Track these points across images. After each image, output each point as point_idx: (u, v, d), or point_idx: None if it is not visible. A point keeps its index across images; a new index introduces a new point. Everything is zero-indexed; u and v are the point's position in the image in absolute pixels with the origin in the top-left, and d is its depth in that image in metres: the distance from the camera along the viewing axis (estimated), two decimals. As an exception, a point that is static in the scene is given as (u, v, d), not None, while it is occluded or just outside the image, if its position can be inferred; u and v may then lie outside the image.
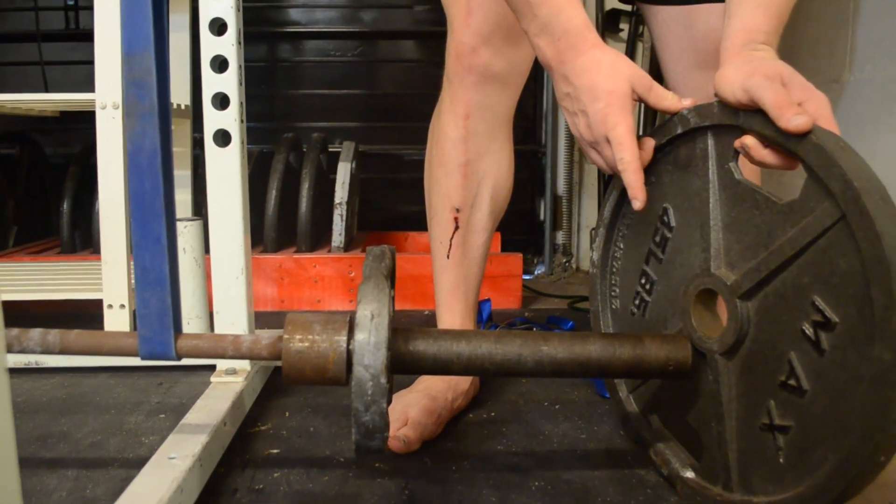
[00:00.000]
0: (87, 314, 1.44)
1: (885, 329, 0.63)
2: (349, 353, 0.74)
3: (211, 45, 1.07)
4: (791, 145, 0.72)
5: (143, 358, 0.80)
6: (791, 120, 0.70)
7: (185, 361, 1.27)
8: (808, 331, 0.72)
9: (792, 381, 0.74)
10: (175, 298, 0.79)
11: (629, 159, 0.83)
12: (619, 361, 0.84)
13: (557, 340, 0.84)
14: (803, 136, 0.70)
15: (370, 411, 0.71)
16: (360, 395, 0.71)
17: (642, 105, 2.33)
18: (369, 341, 0.71)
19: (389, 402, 0.75)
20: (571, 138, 2.42)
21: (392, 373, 0.80)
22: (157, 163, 0.76)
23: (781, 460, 0.75)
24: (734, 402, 0.81)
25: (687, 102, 0.86)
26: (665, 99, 0.87)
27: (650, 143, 0.89)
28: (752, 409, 0.79)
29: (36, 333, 0.79)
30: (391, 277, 0.83)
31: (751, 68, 0.76)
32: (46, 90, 2.23)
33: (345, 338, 0.75)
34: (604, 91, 0.84)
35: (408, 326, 0.84)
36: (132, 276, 1.03)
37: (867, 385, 0.66)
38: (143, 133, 0.75)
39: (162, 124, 0.76)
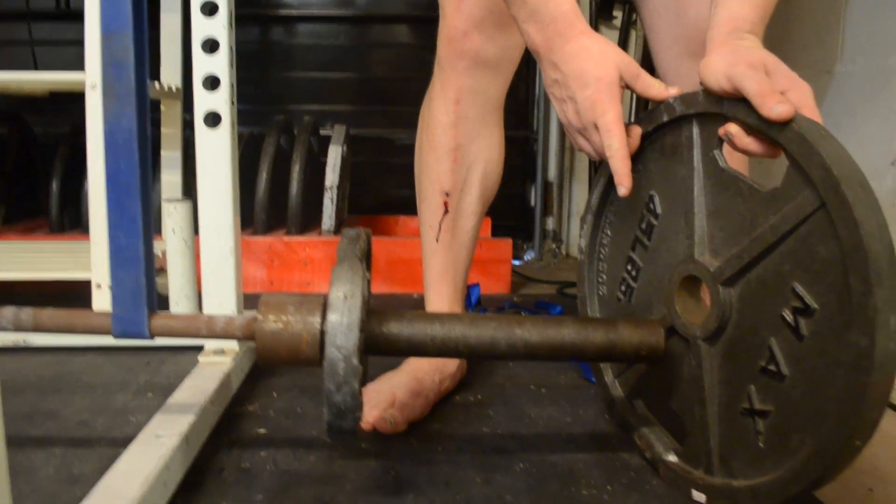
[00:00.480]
0: (75, 294, 1.44)
1: (862, 316, 0.64)
2: (322, 334, 0.74)
3: (202, 27, 1.07)
4: (773, 133, 0.73)
5: (115, 336, 0.80)
6: (773, 108, 0.71)
7: (174, 342, 1.29)
8: (789, 317, 0.73)
9: (772, 367, 0.75)
10: (150, 278, 0.79)
11: (617, 146, 0.83)
12: (591, 345, 0.85)
13: (531, 324, 0.84)
14: (785, 124, 0.71)
15: (342, 392, 0.72)
16: (332, 375, 0.71)
17: (633, 92, 2.34)
18: (342, 322, 0.71)
19: (364, 383, 0.76)
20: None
21: (366, 354, 0.80)
22: (134, 143, 0.76)
23: (761, 444, 0.77)
24: (716, 387, 0.82)
25: (673, 91, 0.87)
26: (652, 87, 0.87)
27: (637, 130, 0.90)
28: (733, 394, 0.80)
29: (9, 311, 0.79)
30: (367, 260, 0.83)
31: (735, 57, 0.77)
32: (36, 69, 2.21)
33: (318, 319, 0.75)
34: (592, 78, 0.84)
35: (383, 309, 0.85)
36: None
37: (844, 371, 0.66)
38: (120, 113, 0.75)
39: (139, 105, 0.76)
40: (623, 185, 0.84)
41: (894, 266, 0.64)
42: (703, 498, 0.83)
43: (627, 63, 0.86)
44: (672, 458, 0.90)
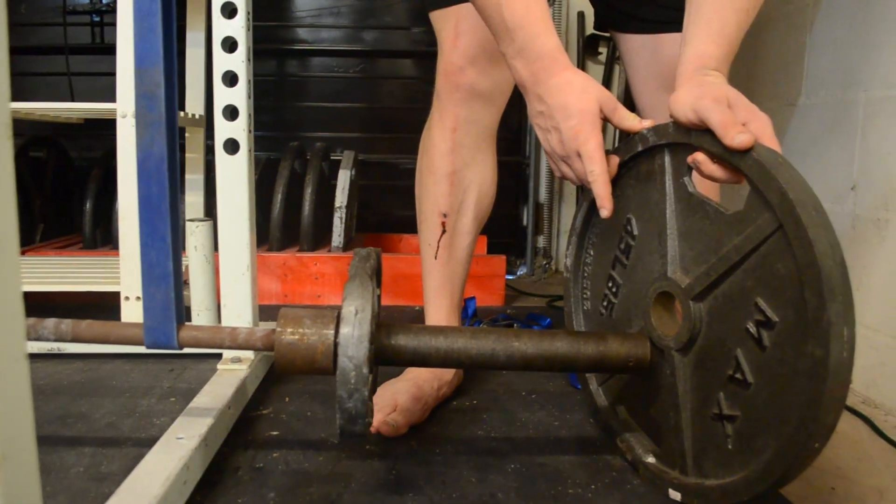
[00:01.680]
0: (106, 305, 1.44)
1: (817, 328, 0.65)
2: (336, 346, 0.75)
3: (223, 61, 1.08)
4: (735, 161, 0.73)
5: (147, 347, 0.81)
6: (735, 138, 0.72)
7: (194, 350, 1.29)
8: (752, 329, 0.73)
9: (738, 375, 0.75)
10: (178, 293, 0.80)
11: (598, 171, 0.84)
12: (583, 357, 0.85)
13: (528, 337, 0.85)
14: (745, 152, 0.72)
15: (353, 398, 0.72)
16: (344, 383, 0.72)
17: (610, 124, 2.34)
18: (353, 335, 0.72)
19: (373, 391, 0.76)
20: (553, 151, 2.43)
21: (375, 364, 0.81)
22: (164, 168, 0.76)
23: (730, 447, 0.77)
24: (689, 393, 0.83)
25: (647, 123, 0.87)
26: (627, 119, 0.88)
27: (615, 159, 0.90)
28: (704, 401, 0.80)
29: (50, 322, 0.80)
30: (377, 276, 0.84)
31: (701, 91, 0.77)
32: (73, 99, 2.23)
33: (332, 331, 0.76)
34: (575, 109, 0.85)
35: (391, 322, 0.85)
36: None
37: (803, 378, 0.67)
38: (152, 141, 0.76)
39: (169, 133, 0.77)
40: (605, 208, 0.84)
41: (846, 282, 0.65)
42: (679, 496, 0.84)
43: (607, 97, 0.87)
44: (651, 459, 0.91)
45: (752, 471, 0.73)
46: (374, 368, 0.80)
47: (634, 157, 0.90)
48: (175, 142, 0.79)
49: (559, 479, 0.92)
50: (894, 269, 1.22)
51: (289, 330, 0.76)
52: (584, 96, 0.85)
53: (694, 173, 0.81)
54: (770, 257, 0.71)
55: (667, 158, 0.86)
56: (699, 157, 0.78)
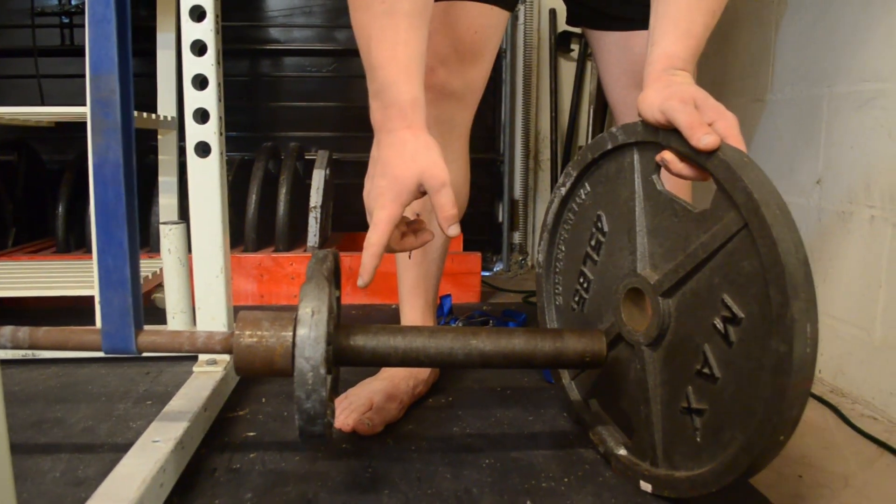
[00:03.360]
0: (81, 309, 1.43)
1: (781, 324, 0.66)
2: (294, 347, 0.75)
3: (192, 65, 1.07)
4: (702, 161, 0.74)
5: (105, 352, 0.81)
6: (701, 139, 0.73)
7: (172, 353, 1.29)
8: (719, 325, 0.74)
9: (706, 370, 0.76)
10: (136, 298, 0.80)
11: (374, 241, 0.82)
12: (540, 353, 0.86)
13: (486, 335, 0.86)
14: (712, 153, 0.73)
15: (311, 399, 0.72)
16: (302, 384, 0.72)
17: (591, 108, 2.36)
18: (309, 336, 0.72)
19: (335, 391, 0.76)
20: (527, 147, 2.45)
21: (334, 364, 0.81)
22: (120, 175, 0.76)
23: (698, 439, 0.78)
24: (658, 388, 0.84)
25: (453, 231, 0.83)
26: (445, 208, 0.82)
27: (410, 241, 0.89)
28: (673, 394, 0.82)
29: (7, 330, 0.79)
30: (334, 278, 0.84)
31: (669, 92, 0.78)
32: (42, 102, 2.20)
33: (290, 333, 0.76)
34: (391, 173, 0.83)
35: (350, 323, 0.85)
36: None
37: (768, 373, 0.68)
38: (108, 147, 0.75)
39: (125, 139, 0.76)
40: (361, 277, 0.82)
41: (809, 279, 0.66)
42: (650, 488, 0.85)
43: (434, 173, 0.82)
44: (622, 452, 0.92)
45: (719, 463, 0.75)
46: (333, 369, 0.80)
47: (605, 155, 0.91)
48: (131, 148, 0.78)
49: (533, 473, 0.93)
50: (859, 260, 1.25)
51: (247, 332, 0.77)
52: (407, 163, 0.82)
53: (663, 171, 0.83)
54: (736, 255, 0.72)
55: (636, 157, 0.87)
56: (667, 155, 0.79)
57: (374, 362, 0.85)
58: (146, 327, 0.82)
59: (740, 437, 0.72)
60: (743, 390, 0.72)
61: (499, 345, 0.86)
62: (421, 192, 0.84)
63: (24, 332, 0.80)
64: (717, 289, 0.75)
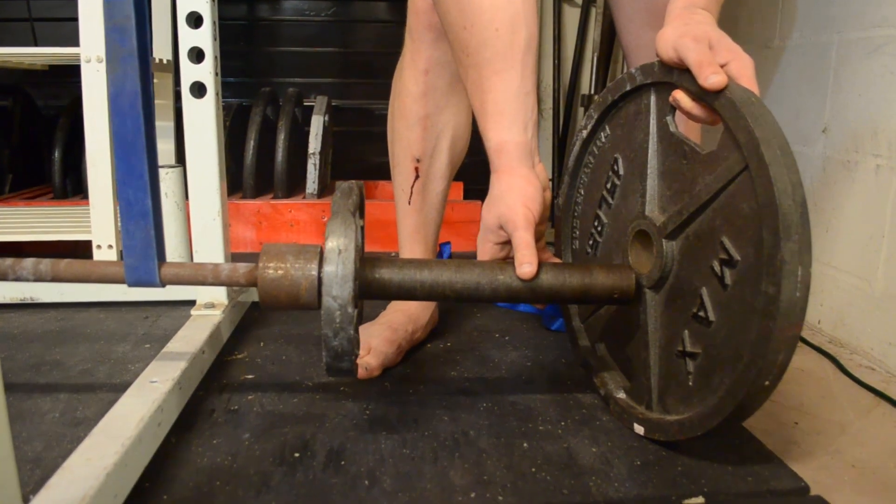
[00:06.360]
0: (78, 254, 1.43)
1: (771, 266, 0.66)
2: (320, 282, 0.75)
3: (187, 1, 1.05)
4: (710, 100, 0.73)
5: (129, 285, 0.79)
6: (708, 78, 0.72)
7: (168, 296, 1.29)
8: (717, 268, 0.74)
9: (702, 313, 0.76)
10: (158, 230, 0.79)
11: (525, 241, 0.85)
12: (568, 289, 0.85)
13: (512, 269, 0.84)
14: (720, 92, 0.72)
15: (339, 337, 0.73)
16: (330, 322, 0.72)
17: (595, 56, 2.33)
18: (337, 273, 0.72)
19: (359, 324, 0.76)
20: (530, 96, 2.42)
21: (360, 299, 0.80)
22: (138, 104, 0.74)
23: (690, 383, 0.78)
24: (658, 331, 0.84)
25: (520, 272, 0.83)
26: (516, 252, 0.84)
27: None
28: (670, 338, 0.82)
29: (29, 263, 0.78)
30: (359, 211, 0.83)
31: (684, 30, 0.77)
32: (36, 45, 2.17)
33: (316, 266, 0.75)
34: (483, 215, 0.89)
35: (375, 256, 0.85)
36: (119, 218, 1.03)
37: (757, 317, 0.68)
38: (125, 76, 0.73)
39: (142, 67, 0.74)
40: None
41: (805, 221, 0.65)
42: (642, 430, 0.86)
43: (511, 217, 0.85)
44: (621, 395, 0.92)
45: (707, 406, 0.75)
46: (359, 303, 0.80)
47: (624, 97, 0.90)
48: (149, 76, 0.76)
49: (530, 417, 0.93)
50: (863, 210, 1.24)
51: (272, 265, 0.76)
52: (489, 208, 0.88)
53: (678, 114, 0.81)
54: (736, 196, 0.72)
55: (652, 98, 0.85)
56: (679, 95, 0.78)
57: (399, 296, 0.84)
58: (168, 261, 0.81)
59: (727, 381, 0.72)
60: (734, 334, 0.72)
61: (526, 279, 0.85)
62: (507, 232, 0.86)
63: (45, 264, 0.79)
64: (717, 231, 0.74)
